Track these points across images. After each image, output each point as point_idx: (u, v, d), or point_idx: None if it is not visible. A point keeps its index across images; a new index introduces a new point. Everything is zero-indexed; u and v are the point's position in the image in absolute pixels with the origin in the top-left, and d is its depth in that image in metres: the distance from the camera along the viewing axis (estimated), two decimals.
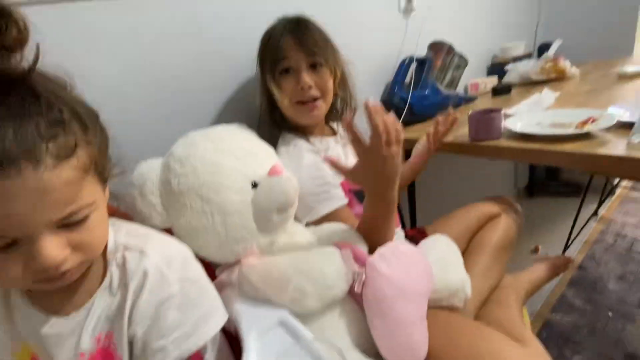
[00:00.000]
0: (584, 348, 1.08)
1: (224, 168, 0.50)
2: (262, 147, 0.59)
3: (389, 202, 0.54)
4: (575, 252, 1.49)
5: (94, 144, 0.34)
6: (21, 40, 0.30)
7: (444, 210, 0.94)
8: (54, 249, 0.31)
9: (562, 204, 1.85)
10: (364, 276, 0.46)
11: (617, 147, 0.64)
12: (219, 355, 0.43)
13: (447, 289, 0.54)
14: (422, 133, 1.02)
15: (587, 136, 0.72)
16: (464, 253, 0.77)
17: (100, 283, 0.40)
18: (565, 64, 1.29)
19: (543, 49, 1.56)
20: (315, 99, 0.69)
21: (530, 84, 1.34)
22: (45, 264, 0.31)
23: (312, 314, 0.46)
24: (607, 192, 1.68)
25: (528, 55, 1.55)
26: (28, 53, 0.32)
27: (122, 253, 0.40)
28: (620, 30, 1.58)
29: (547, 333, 1.16)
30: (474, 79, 1.42)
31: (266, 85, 0.69)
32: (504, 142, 0.80)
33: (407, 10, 1.15)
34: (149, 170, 0.50)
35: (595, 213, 1.71)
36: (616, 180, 1.78)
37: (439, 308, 0.54)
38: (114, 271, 0.40)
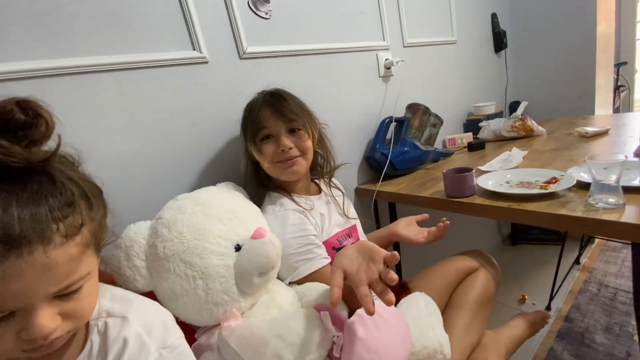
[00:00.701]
0: None
1: (209, 234, 0.53)
2: (248, 209, 0.62)
3: None
4: (561, 302, 1.50)
5: (96, 220, 0.38)
6: (48, 134, 0.34)
7: (429, 260, 0.96)
8: (47, 320, 0.33)
9: (545, 251, 1.89)
10: (342, 340, 0.47)
11: (577, 207, 0.70)
12: None
13: (425, 350, 0.55)
14: (406, 187, 1.08)
15: (551, 195, 0.78)
16: (445, 309, 0.78)
17: (80, 351, 0.40)
18: (532, 122, 1.41)
19: (514, 106, 1.71)
20: (294, 157, 0.74)
21: (503, 140, 1.44)
22: (36, 334, 0.32)
23: None
24: (585, 240, 1.73)
25: (499, 114, 1.69)
26: None
27: (104, 320, 0.41)
28: (580, 90, 1.75)
29: None
30: (452, 135, 1.53)
31: (249, 150, 0.74)
32: (477, 199, 0.86)
33: (386, 76, 1.27)
34: (136, 233, 0.53)
35: (577, 261, 1.74)
36: None
37: None
38: (94, 339, 0.40)
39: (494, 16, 1.82)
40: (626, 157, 0.65)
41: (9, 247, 0.29)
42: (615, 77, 1.88)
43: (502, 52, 1.88)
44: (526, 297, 1.57)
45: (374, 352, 0.45)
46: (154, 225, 0.53)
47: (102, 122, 0.69)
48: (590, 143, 1.16)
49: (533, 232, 2.04)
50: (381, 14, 1.22)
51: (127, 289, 0.49)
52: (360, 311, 0.51)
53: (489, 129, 1.48)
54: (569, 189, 0.79)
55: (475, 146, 1.37)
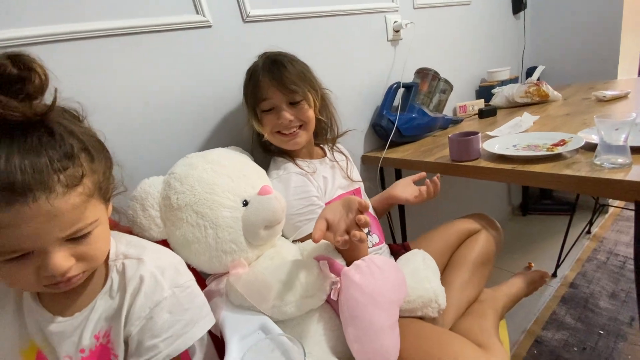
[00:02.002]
0: None
1: (218, 187, 0.56)
2: (254, 169, 0.65)
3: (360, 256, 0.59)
4: (567, 269, 1.51)
5: (99, 172, 0.41)
6: (42, 87, 0.36)
7: (434, 225, 0.98)
8: (61, 259, 0.37)
9: (555, 221, 1.88)
10: (339, 285, 0.51)
11: (581, 168, 0.70)
12: (206, 357, 0.48)
13: (420, 299, 0.58)
14: (413, 153, 1.08)
15: (557, 157, 0.77)
16: (445, 268, 0.81)
17: (102, 287, 0.45)
18: (547, 88, 1.36)
19: (531, 72, 1.64)
20: (295, 130, 0.75)
21: (516, 107, 1.40)
22: (53, 272, 0.37)
23: (292, 320, 0.50)
24: (597, 210, 1.71)
25: (514, 80, 1.63)
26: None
27: (121, 261, 0.46)
28: (603, 55, 1.66)
29: (537, 350, 1.17)
30: (463, 102, 1.49)
31: (250, 121, 0.75)
32: (482, 163, 0.86)
33: (395, 40, 1.23)
34: (151, 186, 0.56)
35: (588, 231, 1.73)
36: (608, 199, 1.81)
37: (413, 318, 0.58)
38: (114, 277, 0.45)
39: None
40: (636, 115, 0.63)
41: (14, 194, 0.32)
42: None
43: (521, 13, 1.78)
44: (532, 264, 1.58)
45: (368, 295, 0.49)
46: (167, 180, 0.57)
47: (110, 86, 0.71)
48: (607, 107, 1.12)
49: (544, 203, 2.02)
50: None
51: (142, 237, 0.53)
52: (358, 261, 0.54)
53: (501, 95, 1.43)
54: (577, 151, 0.78)
55: (486, 113, 1.34)
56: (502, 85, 1.54)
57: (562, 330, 1.22)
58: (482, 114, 1.35)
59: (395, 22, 1.20)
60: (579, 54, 1.75)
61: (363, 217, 0.47)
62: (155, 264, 0.46)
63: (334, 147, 0.89)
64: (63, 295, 0.43)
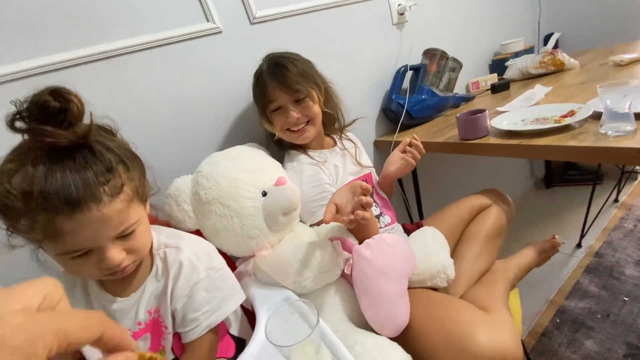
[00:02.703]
0: (597, 332, 1.10)
1: (240, 182, 0.63)
2: (270, 163, 0.71)
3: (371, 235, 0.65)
4: (593, 239, 1.49)
5: (135, 179, 0.48)
6: (80, 114, 0.43)
7: (450, 202, 1.00)
8: (115, 254, 0.45)
9: (580, 192, 1.83)
10: (351, 260, 0.57)
11: (587, 138, 0.71)
12: (241, 327, 0.56)
13: (428, 272, 0.63)
14: (424, 134, 1.11)
15: (565, 129, 0.78)
16: (457, 243, 0.85)
17: (149, 272, 0.53)
18: (563, 56, 1.32)
19: (548, 40, 1.58)
20: (303, 126, 0.80)
21: (530, 78, 1.37)
22: (109, 265, 0.45)
23: (312, 293, 0.57)
24: (624, 177, 1.66)
25: (530, 50, 1.58)
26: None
27: (163, 250, 0.54)
28: (625, 15, 1.57)
29: (560, 319, 1.19)
30: (476, 77, 1.48)
31: (261, 122, 0.81)
32: (491, 139, 0.88)
33: (400, 22, 1.24)
34: (182, 184, 0.64)
35: (616, 199, 1.69)
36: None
37: (424, 288, 0.63)
38: (158, 263, 0.54)
39: None
40: (638, 82, 0.64)
41: (73, 207, 0.40)
42: None
43: None
44: (556, 236, 1.57)
45: (378, 269, 0.54)
46: (195, 177, 0.65)
47: (137, 98, 0.79)
48: (625, 72, 1.09)
49: (569, 174, 1.97)
50: None
51: (179, 228, 0.62)
52: (368, 239, 0.60)
53: (515, 67, 1.41)
54: (586, 120, 0.78)
55: (499, 87, 1.33)
56: (517, 57, 1.51)
57: (585, 299, 1.23)
58: (495, 89, 1.34)
59: (399, 5, 1.21)
60: (599, 16, 1.66)
61: (364, 198, 0.53)
62: (191, 251, 0.54)
63: (343, 136, 0.93)
64: (120, 281, 0.52)
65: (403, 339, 0.56)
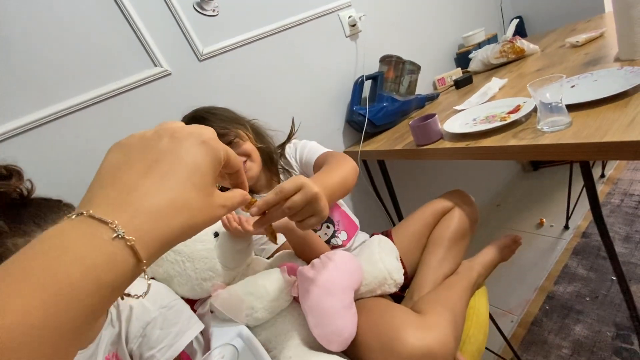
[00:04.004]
0: (586, 316, 1.10)
1: None
2: None
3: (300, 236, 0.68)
4: (580, 219, 1.48)
5: None
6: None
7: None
8: None
9: (568, 171, 1.81)
10: (296, 282, 0.59)
11: (526, 135, 0.72)
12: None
13: (375, 280, 0.65)
14: (386, 142, 1.12)
15: (510, 126, 0.79)
16: (424, 249, 0.86)
17: (104, 321, 0.56)
18: (521, 43, 1.32)
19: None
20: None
21: (493, 69, 1.38)
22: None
23: (267, 322, 0.60)
24: None
25: (493, 38, 1.58)
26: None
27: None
28: None
29: (549, 306, 1.19)
30: (441, 74, 1.49)
31: None
32: (445, 143, 0.89)
33: (354, 34, 1.26)
34: None
35: (602, 175, 1.67)
36: None
37: (373, 297, 0.66)
38: (112, 311, 0.57)
39: None
40: (564, 76, 0.65)
41: None
42: None
43: None
44: (544, 220, 1.57)
45: (321, 287, 0.57)
46: None
47: (91, 155, 0.82)
48: (581, 53, 1.08)
49: None
50: None
51: None
52: (315, 260, 0.62)
53: (477, 59, 1.41)
54: (530, 114, 0.79)
55: (462, 82, 1.34)
56: (480, 47, 1.52)
57: (574, 283, 1.23)
58: (458, 84, 1.34)
59: (349, 17, 1.23)
60: None
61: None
62: (141, 299, 0.57)
63: (284, 168, 0.92)
64: None
65: (350, 350, 0.59)
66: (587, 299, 1.15)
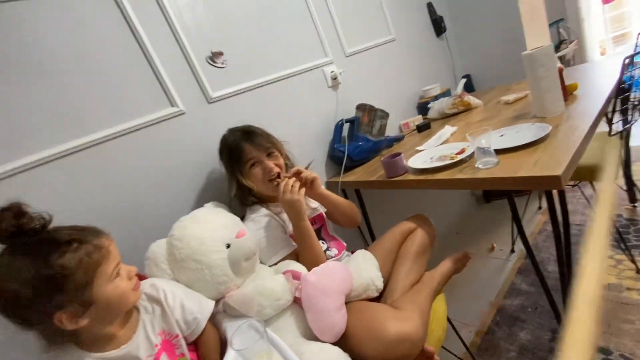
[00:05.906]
0: (528, 324, 1.31)
1: (206, 240, 0.78)
2: (230, 219, 0.88)
3: (303, 228, 0.87)
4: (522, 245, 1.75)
5: None
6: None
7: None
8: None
9: (517, 203, 2.11)
10: (299, 286, 0.75)
11: (468, 171, 0.95)
12: None
13: (362, 287, 0.82)
14: (362, 174, 1.33)
15: (459, 163, 1.03)
16: (394, 262, 1.05)
17: (139, 316, 0.67)
18: (469, 98, 1.64)
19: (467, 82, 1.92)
20: (279, 174, 0.98)
21: (446, 117, 1.68)
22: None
23: (272, 318, 0.74)
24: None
25: (447, 92, 1.92)
26: None
27: (143, 294, 0.69)
28: (514, 57, 1.96)
29: (500, 317, 1.39)
30: (405, 119, 1.77)
31: (236, 178, 0.98)
32: (409, 176, 1.11)
33: (335, 85, 1.51)
34: (158, 247, 0.79)
35: (539, 207, 1.98)
36: None
37: (360, 300, 0.82)
38: (145, 304, 0.69)
39: (429, 5, 2.04)
40: (488, 128, 0.90)
41: None
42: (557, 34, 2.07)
43: (443, 35, 2.10)
44: (495, 245, 1.82)
45: (320, 289, 0.72)
46: (169, 240, 0.80)
47: (115, 182, 0.94)
48: (511, 109, 1.39)
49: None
50: (319, 34, 1.46)
51: None
52: (315, 268, 0.78)
53: (434, 109, 1.71)
54: (472, 155, 1.03)
55: (422, 127, 1.61)
56: (436, 99, 1.83)
57: (519, 297, 1.45)
58: (420, 128, 1.62)
59: (332, 72, 1.49)
60: (498, 59, 2.06)
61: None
62: (162, 284, 0.71)
63: None
64: (109, 338, 0.63)
65: (342, 342, 0.73)
66: (529, 310, 1.37)
